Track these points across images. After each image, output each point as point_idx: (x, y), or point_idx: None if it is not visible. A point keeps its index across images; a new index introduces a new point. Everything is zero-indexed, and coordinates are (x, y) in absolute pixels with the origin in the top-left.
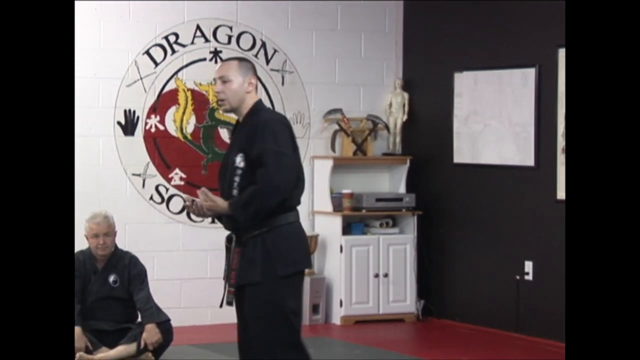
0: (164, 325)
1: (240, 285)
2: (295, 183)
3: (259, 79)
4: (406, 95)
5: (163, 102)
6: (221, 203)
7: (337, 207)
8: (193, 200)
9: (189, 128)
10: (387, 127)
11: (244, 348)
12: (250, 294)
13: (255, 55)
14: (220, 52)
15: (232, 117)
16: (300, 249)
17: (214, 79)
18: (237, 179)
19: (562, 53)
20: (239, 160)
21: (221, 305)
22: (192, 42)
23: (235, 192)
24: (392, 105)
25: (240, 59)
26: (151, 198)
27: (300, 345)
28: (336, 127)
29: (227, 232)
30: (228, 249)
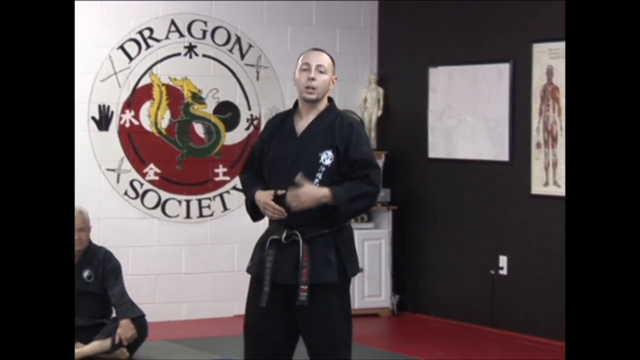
0: (139, 320)
1: (310, 285)
2: None
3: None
4: (381, 90)
5: (137, 97)
6: (314, 188)
7: None
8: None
9: (164, 123)
10: (362, 122)
11: (257, 345)
12: (321, 294)
13: (230, 50)
14: (195, 47)
15: (206, 113)
16: (356, 252)
17: (305, 64)
18: (319, 175)
19: (536, 48)
20: (325, 157)
21: (265, 304)
22: (167, 37)
23: None
24: (367, 100)
25: (330, 56)
26: (126, 193)
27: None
28: None
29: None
30: (281, 245)
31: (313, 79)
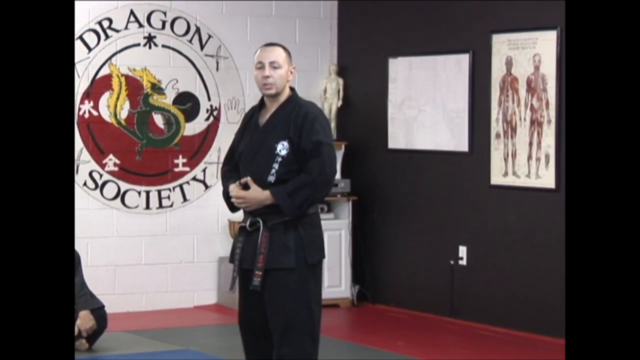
0: (98, 311)
1: (267, 270)
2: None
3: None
4: (341, 80)
5: (97, 88)
6: (258, 192)
7: None
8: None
9: (123, 114)
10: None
11: (252, 330)
12: (279, 280)
13: (190, 41)
14: (155, 37)
15: (166, 103)
16: (323, 239)
17: (260, 62)
18: (276, 166)
19: (495, 39)
20: (281, 148)
21: (231, 288)
22: (126, 27)
23: (272, 178)
24: (326, 90)
25: (284, 47)
26: (85, 184)
27: (317, 336)
28: None
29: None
30: (248, 232)
31: (268, 76)
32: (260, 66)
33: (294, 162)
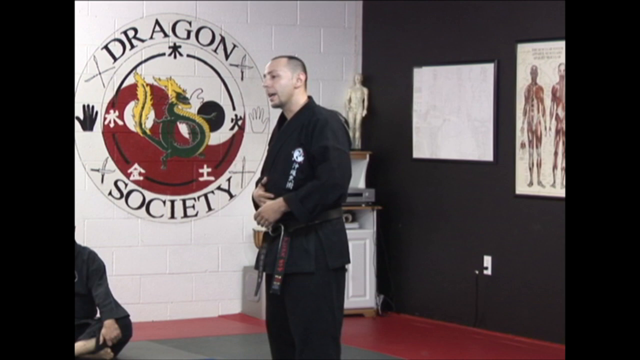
0: (123, 320)
1: (287, 275)
2: (350, 180)
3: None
4: (365, 90)
5: (122, 97)
6: (272, 202)
7: None
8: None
9: (148, 123)
10: (346, 122)
11: (279, 335)
12: (299, 283)
13: (215, 50)
14: (180, 47)
15: (191, 113)
16: (346, 244)
17: (264, 75)
18: (293, 172)
19: (520, 48)
20: (297, 155)
21: (256, 294)
22: (151, 37)
23: (290, 185)
24: (351, 100)
25: (290, 57)
26: (110, 193)
27: (339, 340)
28: None
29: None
30: (271, 238)
31: (266, 86)
32: (264, 79)
33: (310, 168)
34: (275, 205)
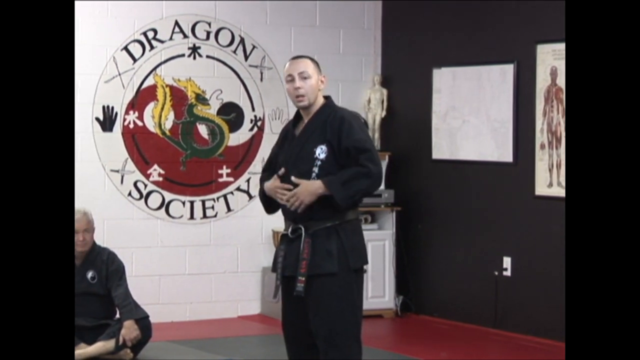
0: (143, 321)
1: (310, 276)
2: None
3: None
4: (385, 91)
5: (141, 98)
6: (309, 183)
7: None
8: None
9: (168, 124)
10: (365, 123)
11: (297, 338)
12: (322, 285)
13: (234, 51)
14: (199, 48)
15: (210, 114)
16: (365, 245)
17: (288, 75)
18: (316, 169)
19: (540, 49)
20: (320, 152)
21: (274, 297)
22: (171, 38)
23: None
24: (370, 101)
25: (311, 59)
26: (130, 194)
27: (361, 341)
28: None
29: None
30: (290, 240)
31: (299, 87)
32: (291, 79)
33: (334, 165)
34: (312, 187)
